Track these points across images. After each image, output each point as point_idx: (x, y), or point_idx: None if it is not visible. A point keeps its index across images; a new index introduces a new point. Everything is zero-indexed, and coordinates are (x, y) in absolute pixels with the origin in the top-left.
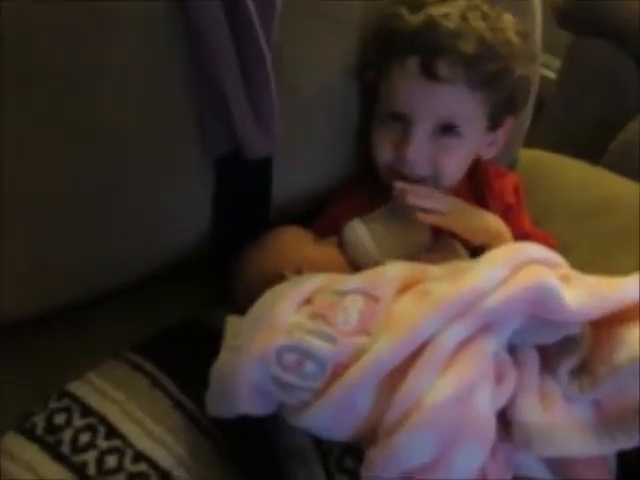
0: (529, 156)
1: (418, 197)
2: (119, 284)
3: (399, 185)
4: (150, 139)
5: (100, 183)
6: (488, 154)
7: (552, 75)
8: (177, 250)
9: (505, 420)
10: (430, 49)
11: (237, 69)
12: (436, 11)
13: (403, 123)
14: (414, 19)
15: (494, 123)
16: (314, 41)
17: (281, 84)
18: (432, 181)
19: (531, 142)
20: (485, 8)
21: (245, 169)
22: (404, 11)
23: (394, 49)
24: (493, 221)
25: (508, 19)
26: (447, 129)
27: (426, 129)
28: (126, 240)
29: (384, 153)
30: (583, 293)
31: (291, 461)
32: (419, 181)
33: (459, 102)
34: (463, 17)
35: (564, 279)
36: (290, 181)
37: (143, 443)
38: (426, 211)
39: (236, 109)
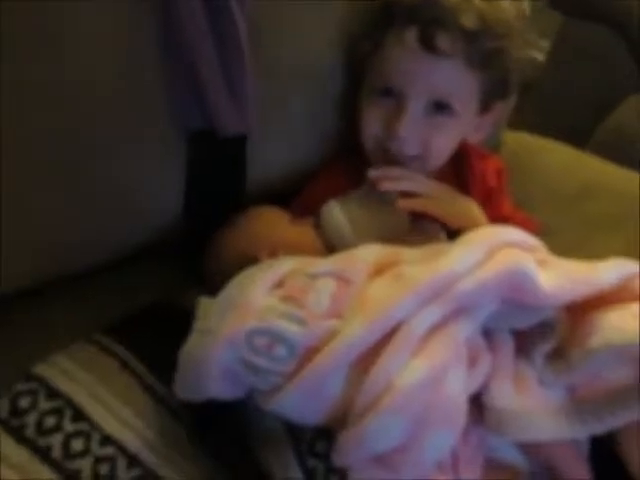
0: (513, 139)
1: (394, 181)
2: (90, 264)
3: (373, 174)
4: (118, 110)
5: (68, 154)
6: (475, 138)
7: (541, 57)
8: (149, 229)
9: (479, 404)
10: (430, 21)
11: (210, 42)
12: None
13: (395, 99)
14: None
15: (485, 106)
16: (294, 14)
17: (259, 59)
18: (420, 161)
19: (519, 124)
20: None
21: (218, 147)
22: None
23: (392, 19)
24: (471, 206)
25: (508, 4)
26: (440, 107)
27: (419, 106)
28: (95, 218)
29: (373, 129)
30: (559, 277)
31: (262, 445)
32: (406, 161)
33: (455, 79)
34: None
35: (540, 263)
36: (266, 160)
37: (111, 426)
38: (404, 194)
39: (208, 83)
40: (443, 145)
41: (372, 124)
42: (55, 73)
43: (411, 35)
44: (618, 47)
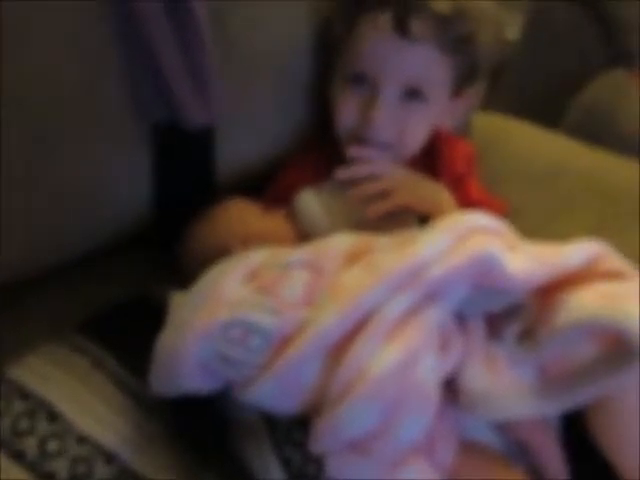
0: (483, 122)
1: (363, 187)
2: (61, 262)
3: (342, 176)
4: (81, 106)
5: (32, 151)
6: (447, 123)
7: (513, 38)
8: (119, 224)
9: (453, 386)
10: (404, 6)
11: (170, 33)
12: None
13: (369, 86)
14: None
15: (456, 91)
16: (261, 5)
17: (224, 47)
18: (395, 148)
19: (492, 106)
20: None
21: (185, 139)
22: None
23: (365, 5)
24: (440, 191)
25: None
26: (413, 94)
27: (393, 92)
28: (62, 215)
29: (347, 117)
30: (527, 261)
31: (240, 436)
32: (381, 148)
33: (428, 64)
34: None
35: (509, 247)
36: (236, 150)
37: (86, 425)
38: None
39: (170, 75)
40: (417, 131)
41: (346, 112)
42: (15, 71)
43: (385, 20)
44: (588, 26)
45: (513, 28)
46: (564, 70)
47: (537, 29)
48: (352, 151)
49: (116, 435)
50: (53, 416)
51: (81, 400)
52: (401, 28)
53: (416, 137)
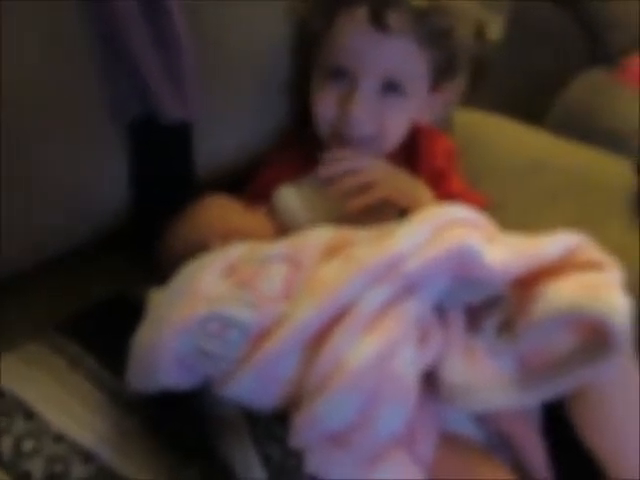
0: (464, 118)
1: (344, 181)
2: (39, 261)
3: (323, 173)
4: (55, 102)
5: (6, 150)
6: (426, 117)
7: (496, 36)
8: (98, 222)
9: (433, 378)
10: (381, 0)
11: (145, 27)
12: None
13: (348, 79)
14: None
15: (435, 85)
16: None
17: (203, 42)
18: (375, 142)
19: (475, 103)
20: None
21: (162, 134)
22: None
23: (341, 0)
24: (418, 185)
25: None
26: (392, 87)
27: (372, 86)
28: (39, 214)
29: (327, 112)
30: (505, 252)
31: (220, 431)
32: (362, 142)
33: (406, 57)
34: None
35: (487, 239)
36: (215, 146)
37: (63, 424)
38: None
39: (146, 69)
40: (397, 124)
41: (325, 107)
42: None
43: (362, 14)
44: (569, 25)
45: (494, 27)
46: (545, 69)
47: (518, 28)
48: (330, 155)
49: (93, 434)
50: (29, 415)
51: (58, 399)
52: (378, 21)
53: (395, 130)
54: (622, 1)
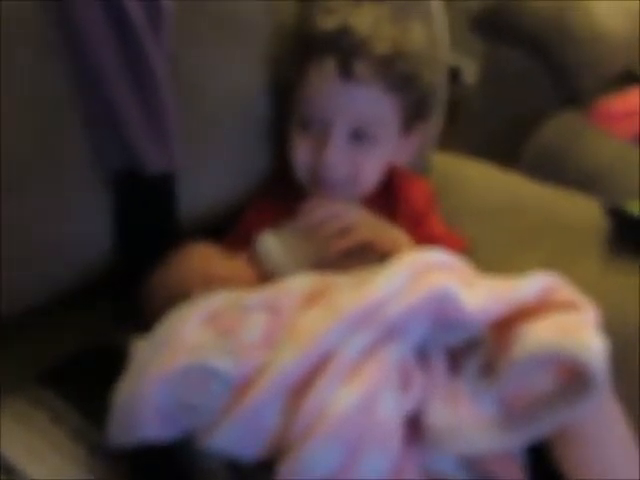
0: (442, 161)
1: (325, 227)
2: (19, 310)
3: (304, 221)
4: (37, 154)
5: None
6: (400, 159)
7: (469, 79)
8: (80, 271)
9: (417, 423)
10: (347, 50)
11: (126, 80)
12: (349, 16)
13: (320, 127)
14: (329, 22)
15: (406, 128)
16: (215, 46)
17: (183, 93)
18: (349, 185)
19: (451, 146)
20: (392, 17)
21: (145, 185)
22: (318, 15)
23: (310, 50)
24: (397, 232)
25: (416, 28)
26: (362, 134)
27: (343, 132)
28: (21, 265)
29: (303, 158)
30: (483, 295)
31: None
32: (337, 185)
33: (374, 104)
34: (376, 22)
35: (465, 282)
36: (198, 195)
37: (40, 476)
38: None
39: (127, 122)
40: (370, 169)
41: (301, 154)
42: None
43: (329, 65)
44: (538, 70)
45: (468, 71)
46: (516, 112)
47: (490, 74)
48: (310, 204)
49: None
50: (9, 470)
51: (39, 453)
52: (345, 71)
53: (369, 176)
54: (588, 46)
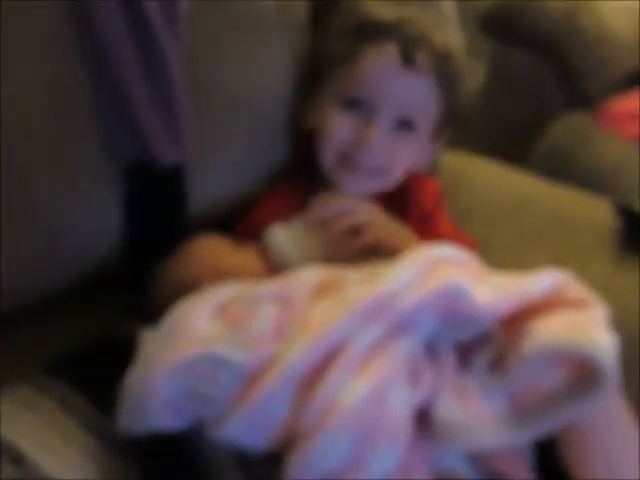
0: (450, 160)
1: (337, 223)
2: (29, 300)
3: (314, 215)
4: (51, 143)
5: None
6: (420, 164)
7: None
8: (89, 263)
9: (425, 416)
10: (410, 38)
11: (141, 73)
12: (404, 11)
13: (365, 110)
14: (389, 13)
15: (437, 131)
16: (230, 45)
17: (198, 84)
18: (381, 174)
19: (460, 146)
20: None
21: (156, 177)
22: (371, 7)
23: (370, 36)
24: (407, 231)
25: (453, 31)
26: (406, 124)
27: (390, 117)
28: (31, 253)
29: (340, 136)
30: (493, 291)
31: (211, 475)
32: (370, 172)
33: (426, 96)
34: (429, 18)
35: (475, 278)
36: (210, 190)
37: (51, 467)
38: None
39: (141, 113)
40: (405, 160)
41: (339, 132)
42: None
43: (391, 50)
44: (546, 70)
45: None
46: (523, 114)
47: (497, 76)
48: (321, 198)
49: (85, 477)
50: (19, 459)
51: (48, 443)
52: (408, 59)
53: (403, 165)
54: (596, 48)
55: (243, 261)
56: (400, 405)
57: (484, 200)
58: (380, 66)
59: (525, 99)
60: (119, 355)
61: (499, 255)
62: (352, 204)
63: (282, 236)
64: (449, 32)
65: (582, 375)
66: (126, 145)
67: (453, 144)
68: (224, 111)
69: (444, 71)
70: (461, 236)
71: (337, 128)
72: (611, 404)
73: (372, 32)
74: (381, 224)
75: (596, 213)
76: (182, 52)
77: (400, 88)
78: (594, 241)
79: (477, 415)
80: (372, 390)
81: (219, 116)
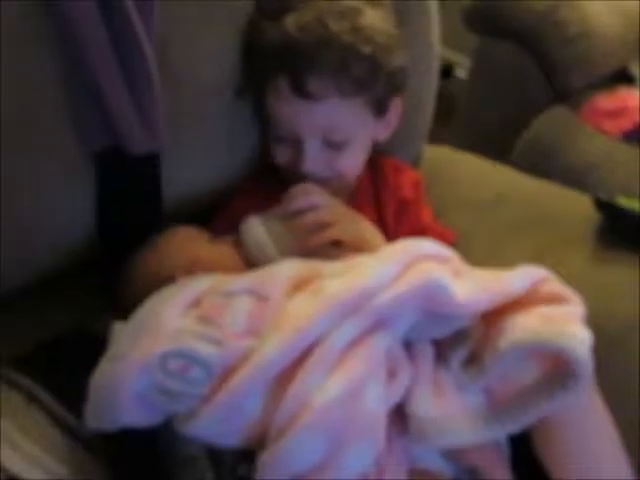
0: (431, 153)
1: (305, 217)
2: (2, 290)
3: (287, 207)
4: (20, 131)
5: None
6: (383, 136)
7: (463, 75)
8: (59, 254)
9: (401, 413)
10: (296, 66)
11: (113, 60)
12: (293, 23)
13: (291, 141)
14: (274, 34)
15: (380, 110)
16: (204, 33)
17: (170, 76)
18: (334, 180)
19: (444, 141)
20: (343, 6)
21: (129, 166)
22: (264, 22)
23: (263, 66)
24: (374, 232)
25: (370, 13)
26: (334, 142)
27: (315, 144)
28: (2, 240)
29: (283, 163)
30: (473, 287)
31: (182, 471)
32: (322, 181)
33: (337, 114)
34: (321, 24)
35: (455, 274)
36: (184, 178)
37: (17, 466)
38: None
39: (113, 101)
40: (351, 163)
41: (281, 160)
42: None
43: (283, 84)
44: (529, 65)
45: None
46: (509, 109)
47: (482, 69)
48: (295, 189)
49: (50, 475)
50: None
51: (13, 439)
52: (300, 91)
53: (351, 168)
54: (579, 43)
55: (219, 254)
56: (376, 402)
57: (464, 194)
58: (280, 102)
59: (509, 93)
60: (89, 349)
61: (479, 248)
62: (322, 199)
63: (258, 228)
64: (363, 19)
65: (557, 369)
66: (96, 132)
67: (435, 139)
68: (199, 97)
69: (347, 81)
70: (441, 229)
71: (277, 155)
72: (586, 400)
73: (262, 62)
74: (345, 224)
75: (577, 207)
76: (153, 38)
77: (306, 118)
78: (574, 235)
79: (453, 411)
80: (347, 387)
81: (192, 105)
